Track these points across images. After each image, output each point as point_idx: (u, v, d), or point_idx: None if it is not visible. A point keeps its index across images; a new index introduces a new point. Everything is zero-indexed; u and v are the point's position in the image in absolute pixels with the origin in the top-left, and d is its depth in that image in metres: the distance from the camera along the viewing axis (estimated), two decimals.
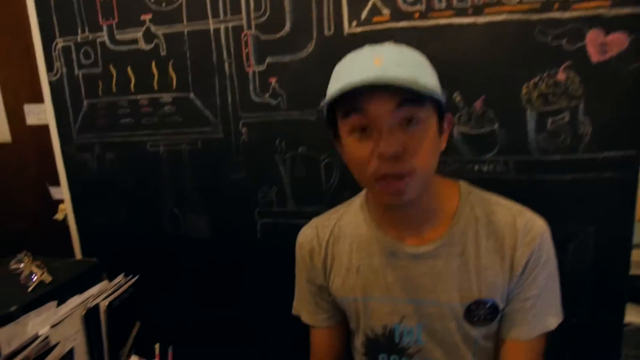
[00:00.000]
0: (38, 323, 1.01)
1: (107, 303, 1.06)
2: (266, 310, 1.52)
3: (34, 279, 1.30)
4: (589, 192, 1.17)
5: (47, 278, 1.32)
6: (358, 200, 1.03)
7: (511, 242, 0.90)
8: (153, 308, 1.35)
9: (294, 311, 1.10)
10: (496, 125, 1.19)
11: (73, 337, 1.00)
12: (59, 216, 1.86)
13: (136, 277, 1.13)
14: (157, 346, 1.08)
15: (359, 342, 1.04)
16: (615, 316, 1.27)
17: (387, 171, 0.81)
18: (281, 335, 1.54)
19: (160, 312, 1.55)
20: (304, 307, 1.08)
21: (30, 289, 1.28)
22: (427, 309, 0.94)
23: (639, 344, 1.89)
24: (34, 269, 1.34)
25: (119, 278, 1.12)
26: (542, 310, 0.92)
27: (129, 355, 1.02)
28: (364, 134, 0.82)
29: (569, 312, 0.97)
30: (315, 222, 1.05)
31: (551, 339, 0.95)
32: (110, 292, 1.08)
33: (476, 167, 1.24)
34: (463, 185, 0.97)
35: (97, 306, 1.04)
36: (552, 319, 0.93)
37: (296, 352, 1.23)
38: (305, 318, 1.09)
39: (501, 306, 0.92)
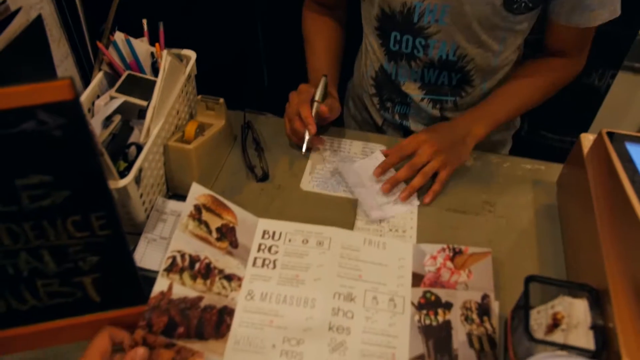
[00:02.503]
0: None
1: None
2: None
3: None
4: None
5: None
6: None
7: None
8: None
9: None
10: None
11: (38, 4, 0.83)
12: None
13: None
14: (144, 22, 0.93)
15: (373, 13, 0.93)
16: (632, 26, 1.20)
17: None
18: (274, 17, 1.39)
19: None
20: None
21: None
22: None
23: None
24: None
25: None
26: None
27: (112, 32, 0.88)
28: None
29: None
30: None
31: None
32: None
33: None
34: None
35: None
36: (608, 12, 0.86)
37: (290, 34, 1.11)
38: None
39: None
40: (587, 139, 0.80)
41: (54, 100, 0.48)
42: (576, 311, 0.61)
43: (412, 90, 1.00)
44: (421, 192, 0.88)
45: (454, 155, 0.89)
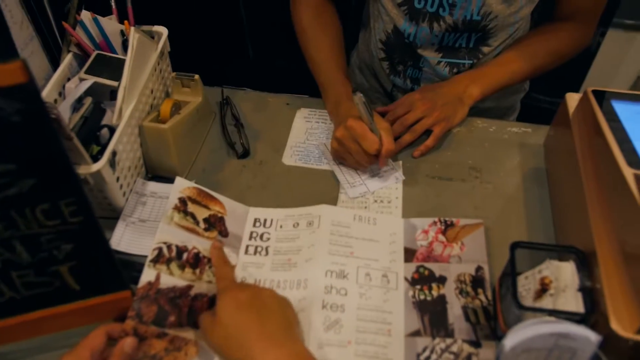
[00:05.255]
0: None
1: None
2: None
3: None
4: None
5: None
6: None
7: None
8: None
9: None
10: None
11: None
12: None
13: None
14: None
15: None
16: None
17: None
18: None
19: None
20: None
21: None
22: None
23: None
24: None
25: None
26: None
27: (78, 11, 0.85)
28: None
29: None
30: None
31: None
32: None
33: None
34: None
35: None
36: None
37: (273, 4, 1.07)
38: None
39: None
40: (573, 99, 0.78)
41: (7, 85, 0.45)
42: (563, 274, 0.60)
43: (429, 53, 0.97)
44: (406, 165, 0.86)
45: (449, 113, 0.87)
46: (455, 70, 0.97)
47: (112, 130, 0.75)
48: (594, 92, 0.72)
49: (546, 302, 0.58)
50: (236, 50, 1.63)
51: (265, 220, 0.77)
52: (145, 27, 0.88)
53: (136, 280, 0.67)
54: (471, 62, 0.96)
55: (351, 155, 0.81)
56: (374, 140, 0.77)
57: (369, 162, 0.81)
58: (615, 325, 0.53)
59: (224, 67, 1.55)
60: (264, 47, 1.60)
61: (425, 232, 0.74)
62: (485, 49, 0.94)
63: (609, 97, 0.71)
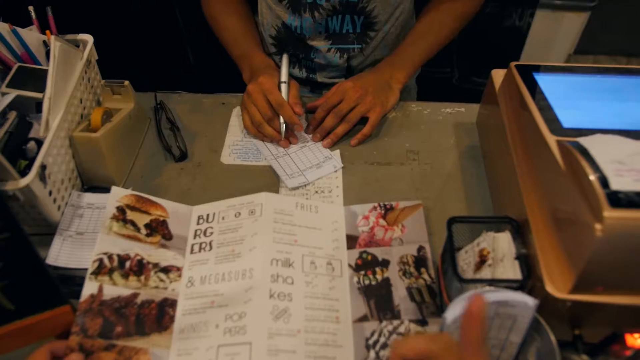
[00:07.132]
0: None
1: None
2: None
3: None
4: None
5: None
6: None
7: None
8: None
9: None
10: None
11: None
12: None
13: None
14: (31, 9, 0.87)
15: None
16: None
17: None
18: None
19: None
20: None
21: None
22: None
23: None
24: None
25: None
26: None
27: None
28: None
29: None
30: None
31: None
32: None
33: None
34: None
35: None
36: None
37: None
38: None
39: None
40: (499, 75, 0.80)
41: None
42: (500, 244, 0.62)
43: (318, 42, 0.99)
44: (345, 154, 0.87)
45: (381, 98, 0.89)
46: (345, 55, 1.00)
47: (39, 143, 0.72)
48: (517, 66, 0.74)
49: (485, 273, 0.60)
50: (177, 57, 1.61)
51: (208, 216, 0.76)
52: (69, 36, 0.85)
53: (79, 294, 0.65)
54: (360, 46, 0.99)
55: (256, 107, 0.85)
56: (279, 95, 0.85)
57: (270, 116, 0.85)
58: (550, 288, 0.55)
59: (166, 75, 1.53)
60: (205, 52, 1.59)
61: (366, 217, 0.75)
62: (372, 34, 0.98)
63: (531, 70, 0.74)
